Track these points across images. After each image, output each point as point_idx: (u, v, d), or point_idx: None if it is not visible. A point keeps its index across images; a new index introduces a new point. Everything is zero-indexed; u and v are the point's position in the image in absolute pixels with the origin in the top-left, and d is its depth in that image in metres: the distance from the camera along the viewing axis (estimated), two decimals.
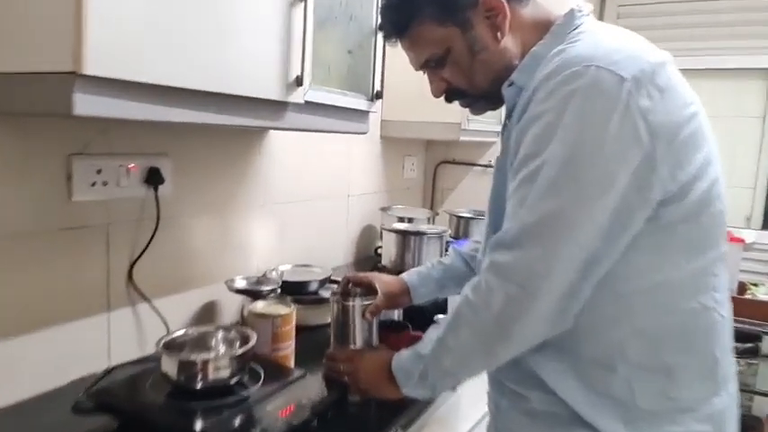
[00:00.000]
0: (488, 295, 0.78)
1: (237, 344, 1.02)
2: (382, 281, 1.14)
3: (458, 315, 0.83)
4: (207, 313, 1.39)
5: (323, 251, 1.82)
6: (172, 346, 0.98)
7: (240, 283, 1.37)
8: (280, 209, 1.61)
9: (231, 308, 1.41)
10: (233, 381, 0.96)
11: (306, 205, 1.73)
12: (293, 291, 1.45)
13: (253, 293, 1.35)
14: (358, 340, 1.07)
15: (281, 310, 1.16)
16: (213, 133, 1.35)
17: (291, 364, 1.15)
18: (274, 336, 1.12)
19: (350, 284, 1.14)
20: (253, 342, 1.00)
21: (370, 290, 1.11)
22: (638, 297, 0.78)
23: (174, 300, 1.29)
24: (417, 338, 0.92)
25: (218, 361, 0.95)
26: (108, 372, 1.12)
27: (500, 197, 0.86)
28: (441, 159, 2.39)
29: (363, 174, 2.03)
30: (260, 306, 1.18)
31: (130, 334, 1.20)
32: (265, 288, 1.35)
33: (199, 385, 0.93)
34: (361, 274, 1.17)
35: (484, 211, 0.98)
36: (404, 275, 1.19)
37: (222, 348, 1.03)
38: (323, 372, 1.08)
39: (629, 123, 0.71)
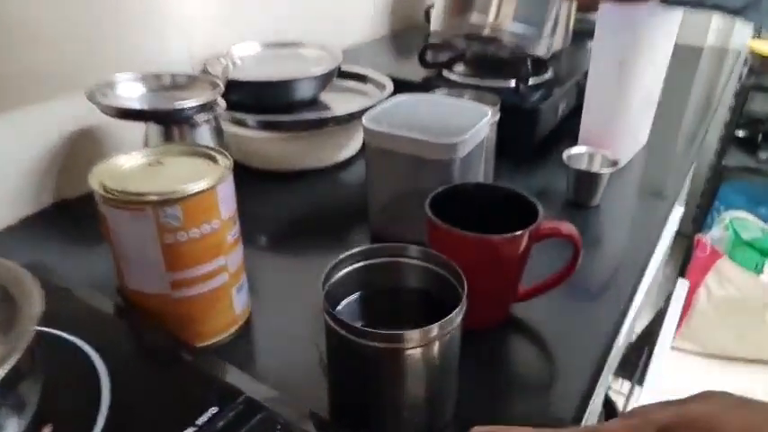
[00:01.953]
0: None
1: None
2: None
3: None
4: (66, 167, 0.63)
5: (325, 19, 0.96)
6: None
7: (123, 92, 0.59)
8: None
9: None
10: None
11: None
12: (259, 104, 0.67)
13: (157, 116, 0.57)
14: None
15: (188, 171, 0.40)
16: None
17: (222, 327, 0.43)
18: (169, 253, 0.38)
19: None
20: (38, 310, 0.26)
21: None
22: None
23: None
24: (562, 236, 0.41)
25: None
26: None
27: None
28: None
29: None
30: (131, 165, 0.41)
31: None
32: (188, 101, 0.57)
33: None
34: None
35: None
36: None
37: None
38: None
39: None
